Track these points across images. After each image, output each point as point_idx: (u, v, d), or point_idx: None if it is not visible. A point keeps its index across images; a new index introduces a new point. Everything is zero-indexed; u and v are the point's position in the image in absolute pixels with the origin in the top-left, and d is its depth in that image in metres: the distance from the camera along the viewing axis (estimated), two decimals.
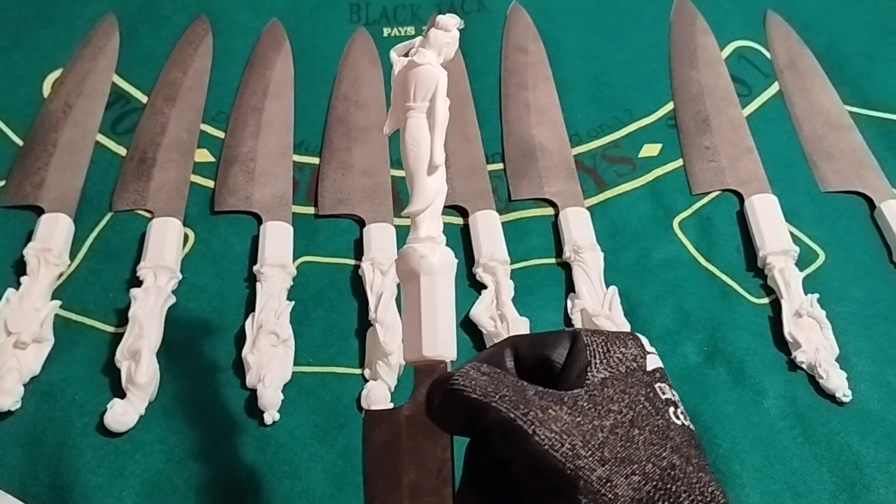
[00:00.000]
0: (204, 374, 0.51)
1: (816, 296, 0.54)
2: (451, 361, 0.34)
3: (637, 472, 0.27)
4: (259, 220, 0.59)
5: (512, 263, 0.57)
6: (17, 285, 0.53)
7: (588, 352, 0.31)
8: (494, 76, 0.70)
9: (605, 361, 0.30)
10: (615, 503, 0.27)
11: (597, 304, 0.54)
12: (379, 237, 0.57)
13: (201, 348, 0.52)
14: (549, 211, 0.61)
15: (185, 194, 0.60)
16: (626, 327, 0.53)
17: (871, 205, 0.61)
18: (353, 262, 0.58)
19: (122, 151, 0.63)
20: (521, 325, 0.52)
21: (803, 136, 0.66)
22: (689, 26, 0.72)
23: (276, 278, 0.54)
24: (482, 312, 0.53)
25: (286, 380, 0.51)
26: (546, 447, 0.28)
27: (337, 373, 0.52)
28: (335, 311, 0.55)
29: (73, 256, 0.57)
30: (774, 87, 0.69)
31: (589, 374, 0.30)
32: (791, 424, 0.50)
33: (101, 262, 0.56)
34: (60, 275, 0.55)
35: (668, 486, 0.27)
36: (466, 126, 0.66)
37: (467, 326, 0.54)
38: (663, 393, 0.30)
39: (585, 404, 0.29)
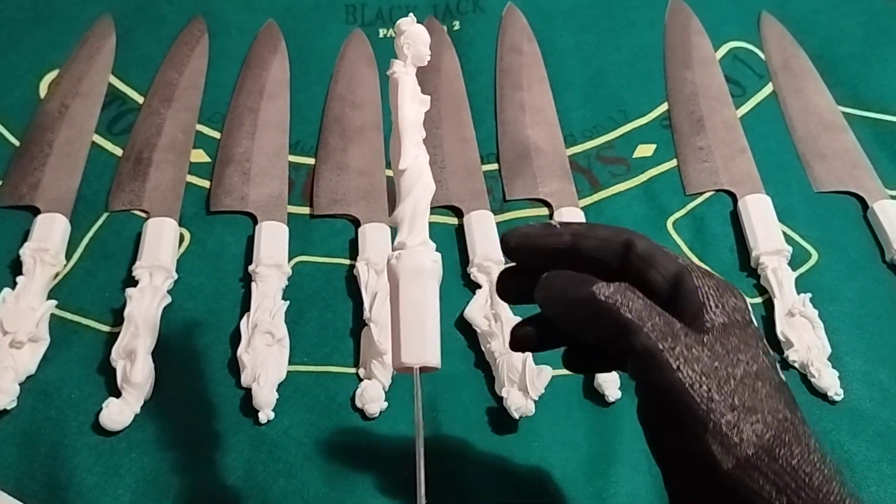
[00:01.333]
0: (199, 374, 0.51)
1: (809, 295, 0.54)
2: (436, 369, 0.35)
3: (759, 420, 0.29)
4: (254, 220, 0.59)
5: (506, 263, 0.57)
6: (13, 285, 0.53)
7: (700, 293, 0.31)
8: (489, 77, 0.70)
9: (720, 306, 0.31)
10: (739, 447, 0.29)
11: None
12: (374, 237, 0.57)
13: (196, 348, 0.53)
14: (544, 211, 0.61)
15: (180, 194, 0.60)
16: None
17: (864, 205, 0.62)
18: (348, 261, 0.58)
19: (119, 152, 0.63)
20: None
21: (797, 137, 0.66)
22: (684, 27, 0.73)
23: (271, 278, 0.54)
24: (476, 312, 0.53)
25: (281, 379, 0.51)
26: (687, 384, 0.29)
27: (332, 372, 0.52)
28: (330, 311, 0.55)
29: (69, 256, 0.57)
30: (768, 88, 0.70)
31: (706, 316, 0.31)
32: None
33: (96, 262, 0.57)
34: (56, 274, 0.55)
35: (783, 436, 0.29)
36: (461, 126, 0.66)
37: (462, 326, 0.54)
38: (770, 350, 0.32)
39: (720, 349, 0.30)
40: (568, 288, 0.32)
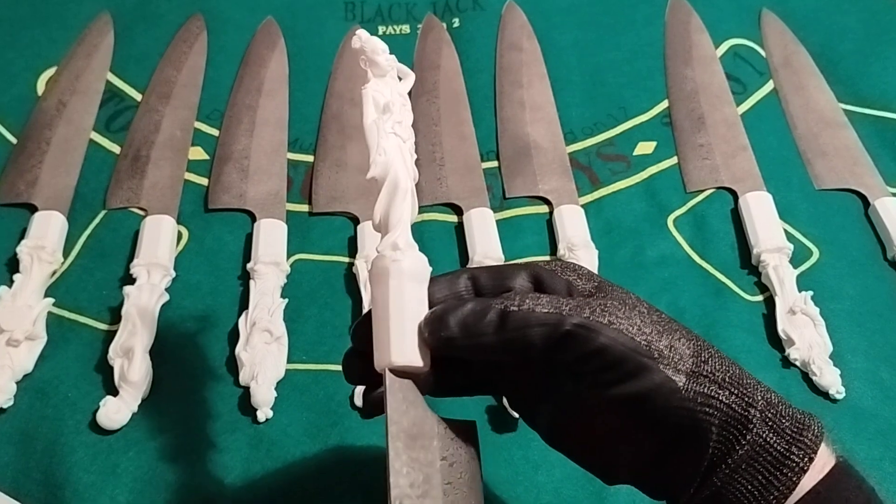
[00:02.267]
0: (197, 372, 0.51)
1: (810, 293, 0.54)
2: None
3: (682, 335, 0.32)
4: (253, 218, 0.59)
5: (506, 261, 0.57)
6: (10, 283, 0.53)
7: (559, 275, 0.34)
8: (489, 74, 0.70)
9: (581, 278, 0.34)
10: (684, 362, 0.31)
11: None
12: (373, 235, 0.57)
13: (194, 346, 0.52)
14: (544, 209, 0.61)
15: (178, 192, 0.60)
16: None
17: (866, 202, 0.61)
18: (346, 259, 0.58)
19: (116, 149, 0.63)
20: None
21: (798, 134, 0.66)
22: (684, 24, 0.73)
23: (269, 276, 0.54)
24: None
25: (279, 377, 0.51)
26: (624, 331, 0.31)
27: (330, 370, 0.52)
28: (329, 309, 0.55)
29: (66, 254, 0.56)
30: (769, 86, 0.69)
31: (580, 288, 0.34)
32: None
33: (94, 260, 0.56)
34: (54, 272, 0.55)
35: (701, 342, 0.32)
36: (461, 124, 0.66)
37: None
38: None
39: (616, 301, 0.32)
40: (479, 318, 0.32)
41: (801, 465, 0.31)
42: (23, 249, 0.54)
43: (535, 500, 0.47)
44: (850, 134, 0.66)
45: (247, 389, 0.50)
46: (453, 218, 0.60)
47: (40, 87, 0.66)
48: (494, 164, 0.64)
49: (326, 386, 0.51)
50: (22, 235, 0.56)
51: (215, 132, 0.65)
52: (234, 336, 0.52)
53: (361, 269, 0.55)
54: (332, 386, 0.51)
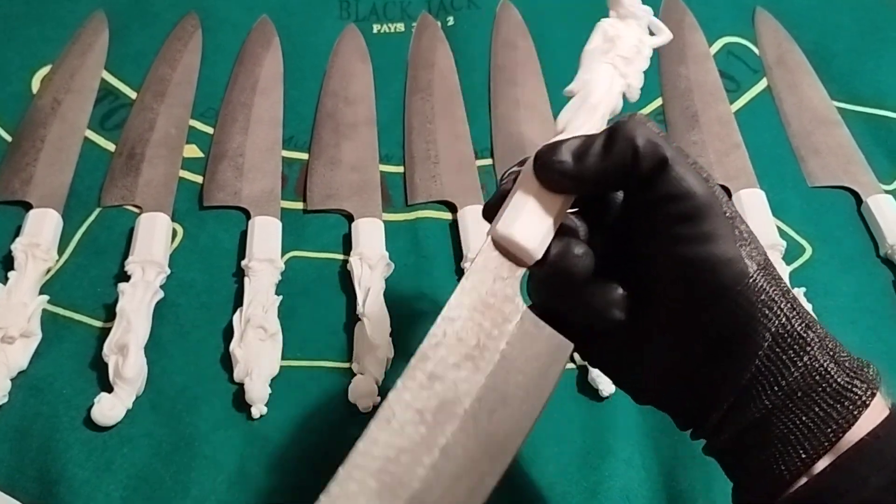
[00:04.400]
0: (191, 369, 0.51)
1: (803, 289, 0.54)
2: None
3: (756, 245, 0.31)
4: (247, 216, 0.59)
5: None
6: (5, 280, 0.53)
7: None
8: (484, 72, 0.70)
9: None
10: (759, 253, 0.31)
11: None
12: (367, 232, 0.57)
13: (189, 343, 0.52)
14: None
15: (173, 189, 0.60)
16: None
17: (859, 200, 0.62)
18: (341, 256, 0.58)
19: (111, 147, 0.63)
20: None
21: (791, 132, 0.66)
22: (678, 22, 0.73)
23: (264, 273, 0.54)
24: None
25: (274, 374, 0.51)
26: (713, 191, 0.31)
27: (325, 367, 0.52)
28: (323, 306, 0.55)
29: (61, 251, 0.56)
30: (763, 83, 0.70)
31: None
32: None
33: (88, 258, 0.56)
34: (48, 270, 0.55)
35: (768, 258, 0.31)
36: (455, 122, 0.66)
37: None
38: None
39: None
40: (588, 144, 0.32)
41: (863, 399, 0.30)
42: (17, 247, 0.54)
43: (529, 496, 0.47)
44: (843, 132, 0.66)
45: (241, 386, 0.50)
46: (448, 215, 0.61)
47: (35, 85, 0.66)
48: (489, 161, 0.64)
49: (321, 383, 0.51)
50: (16, 233, 0.56)
51: (210, 130, 0.65)
52: (228, 333, 0.52)
53: (356, 266, 0.55)
54: (326, 383, 0.51)
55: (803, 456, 0.30)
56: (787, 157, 0.65)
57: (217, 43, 0.70)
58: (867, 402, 0.30)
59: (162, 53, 0.69)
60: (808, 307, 0.53)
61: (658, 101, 0.68)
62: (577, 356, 0.52)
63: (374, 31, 0.73)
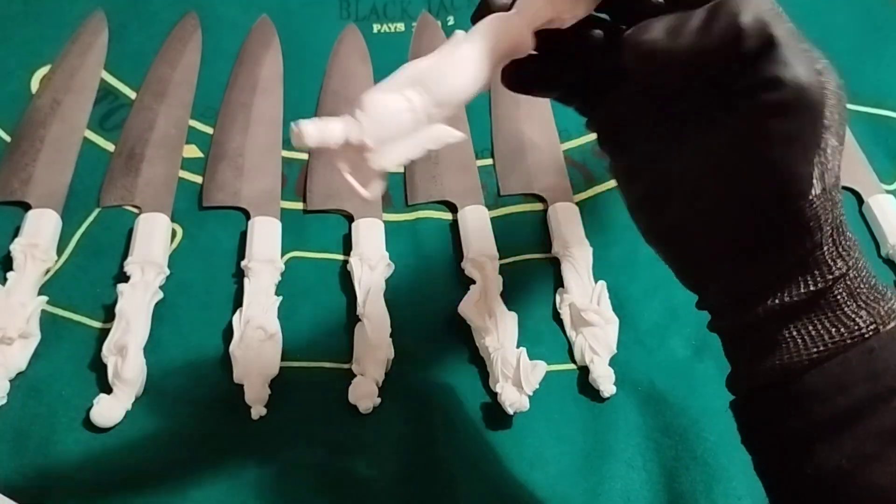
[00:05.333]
0: (191, 370, 0.51)
1: None
2: None
3: (837, 167, 0.30)
4: (247, 216, 0.59)
5: (501, 259, 0.57)
6: (4, 281, 0.53)
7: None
8: None
9: None
10: (828, 175, 0.29)
11: (585, 299, 0.54)
12: (367, 232, 0.57)
13: (188, 343, 0.52)
14: (539, 206, 0.61)
15: (173, 190, 0.60)
16: (615, 322, 0.53)
17: (860, 199, 0.61)
18: (341, 257, 0.58)
19: (111, 147, 0.63)
20: (509, 320, 0.52)
21: None
22: None
23: (264, 273, 0.54)
24: (470, 307, 0.53)
25: (273, 375, 0.50)
26: (814, 60, 0.29)
27: (325, 368, 0.52)
28: (323, 307, 0.55)
29: (60, 252, 0.56)
30: None
31: None
32: None
33: (88, 258, 0.56)
34: (47, 270, 0.55)
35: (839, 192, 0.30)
36: (456, 122, 0.66)
37: (455, 321, 0.54)
38: None
39: None
40: (685, 19, 0.29)
41: (863, 331, 0.30)
42: (16, 247, 0.54)
43: (529, 497, 0.47)
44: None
45: (241, 387, 0.49)
46: (448, 215, 0.60)
47: (34, 85, 0.66)
48: (489, 161, 0.64)
49: (321, 384, 0.51)
50: (15, 233, 0.56)
51: (210, 130, 0.65)
52: (228, 334, 0.52)
53: (356, 266, 0.55)
54: (326, 383, 0.51)
55: (797, 359, 0.31)
56: None
57: (217, 43, 0.70)
58: (866, 335, 0.30)
59: (162, 53, 0.69)
60: None
61: None
62: (577, 356, 0.52)
63: (375, 30, 0.72)
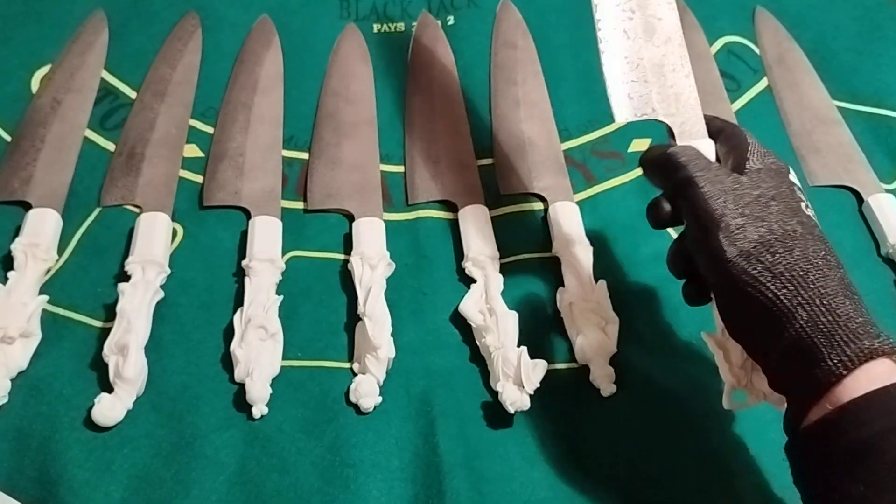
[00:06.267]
0: (192, 369, 0.51)
1: None
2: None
3: (765, 227, 0.39)
4: (248, 215, 0.59)
5: (501, 258, 0.57)
6: (5, 280, 0.53)
7: (749, 149, 0.42)
8: (484, 71, 0.70)
9: (761, 160, 0.42)
10: (742, 241, 0.39)
11: (585, 298, 0.54)
12: (368, 232, 0.57)
13: (189, 343, 0.52)
14: (539, 206, 0.61)
15: (173, 189, 0.60)
16: (615, 322, 0.53)
17: (859, 199, 0.62)
18: (341, 256, 0.58)
19: (111, 147, 0.63)
20: (509, 319, 0.52)
21: (792, 131, 0.66)
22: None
23: (264, 273, 0.54)
24: (471, 306, 0.53)
25: (275, 374, 0.51)
26: (708, 197, 0.40)
27: (325, 367, 0.52)
28: (324, 306, 0.55)
29: (60, 251, 0.56)
30: (763, 83, 0.70)
31: (747, 164, 0.41)
32: (780, 416, 0.49)
33: (88, 258, 0.56)
34: (48, 270, 0.55)
35: (786, 241, 0.39)
36: (456, 121, 0.66)
37: (456, 321, 0.54)
38: (801, 192, 0.42)
39: (746, 181, 0.41)
40: (653, 151, 0.45)
41: (835, 371, 0.35)
42: (17, 247, 0.54)
43: (530, 496, 0.47)
44: (843, 131, 0.66)
45: (242, 386, 0.49)
46: (448, 215, 0.60)
47: (35, 84, 0.66)
48: (489, 161, 0.64)
49: (322, 382, 0.51)
50: (16, 233, 0.56)
51: (210, 130, 0.65)
52: (229, 333, 0.52)
53: (356, 265, 0.55)
54: (327, 382, 0.51)
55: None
56: (787, 157, 0.65)
57: (217, 42, 0.70)
58: (841, 374, 0.35)
59: (162, 53, 0.69)
60: None
61: None
62: (577, 355, 0.52)
63: (375, 30, 0.72)
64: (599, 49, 0.47)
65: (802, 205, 0.41)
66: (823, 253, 0.39)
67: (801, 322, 0.37)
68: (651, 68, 0.46)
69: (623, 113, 0.46)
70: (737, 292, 0.39)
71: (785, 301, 0.37)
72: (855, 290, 0.39)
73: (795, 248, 0.38)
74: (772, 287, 0.37)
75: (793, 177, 0.42)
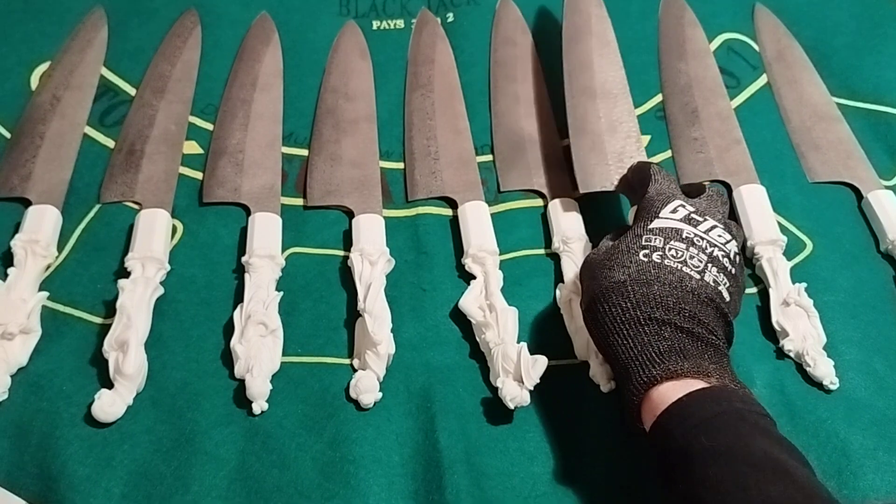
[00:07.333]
0: (192, 365, 0.51)
1: (804, 285, 0.54)
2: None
3: (604, 279, 0.48)
4: (248, 212, 0.59)
5: (501, 254, 0.57)
6: (4, 277, 0.53)
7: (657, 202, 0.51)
8: (484, 68, 0.70)
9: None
10: (587, 293, 0.48)
11: None
12: (367, 228, 0.57)
13: (189, 339, 0.52)
14: (538, 202, 0.61)
15: (173, 186, 0.60)
16: None
17: (859, 195, 0.62)
18: (341, 252, 0.58)
19: (111, 143, 0.63)
20: (509, 315, 0.52)
21: (791, 128, 0.66)
22: (678, 19, 0.73)
23: (264, 269, 0.54)
24: (471, 302, 0.53)
25: (274, 370, 0.51)
26: (658, 187, 0.51)
27: (325, 363, 0.52)
28: (324, 302, 0.55)
29: (60, 248, 0.56)
30: (763, 79, 0.70)
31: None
32: (779, 412, 0.50)
33: (88, 254, 0.56)
34: (48, 266, 0.55)
35: (609, 294, 0.47)
36: (456, 118, 0.66)
37: (456, 317, 0.54)
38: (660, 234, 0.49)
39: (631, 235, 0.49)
40: (638, 163, 0.55)
41: (634, 399, 0.43)
42: (17, 243, 0.54)
43: (530, 491, 0.47)
44: (843, 127, 0.66)
45: (242, 382, 0.50)
46: (448, 211, 0.60)
47: (34, 81, 0.66)
48: (489, 157, 0.64)
49: (321, 378, 0.51)
50: (16, 230, 0.56)
51: (210, 126, 0.65)
52: (229, 329, 0.52)
53: (356, 262, 0.55)
54: (327, 378, 0.51)
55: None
56: (787, 153, 0.65)
57: (216, 39, 0.70)
58: (638, 400, 0.43)
59: (161, 50, 0.69)
60: (809, 302, 0.53)
61: (658, 98, 0.68)
62: (577, 351, 0.52)
63: (374, 27, 0.72)
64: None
65: (654, 258, 0.47)
66: (656, 298, 0.45)
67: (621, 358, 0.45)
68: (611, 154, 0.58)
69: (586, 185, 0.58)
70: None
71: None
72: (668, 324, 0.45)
73: (617, 301, 0.46)
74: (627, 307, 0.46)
75: (670, 221, 0.49)
